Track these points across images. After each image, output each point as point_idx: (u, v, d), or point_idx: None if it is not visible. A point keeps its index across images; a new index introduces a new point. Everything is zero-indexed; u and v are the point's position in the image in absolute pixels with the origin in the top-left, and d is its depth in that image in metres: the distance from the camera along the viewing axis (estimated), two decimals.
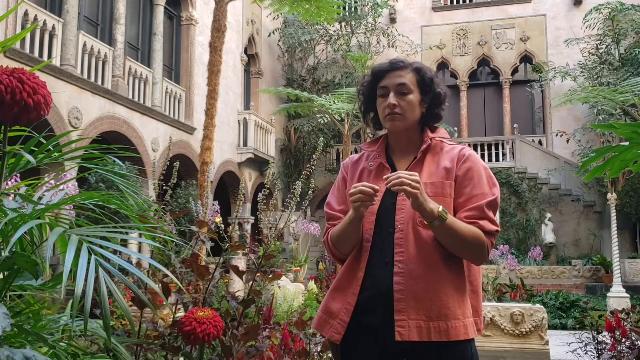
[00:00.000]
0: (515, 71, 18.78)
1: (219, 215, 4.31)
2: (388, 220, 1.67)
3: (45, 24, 9.09)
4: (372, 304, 1.64)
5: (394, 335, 1.58)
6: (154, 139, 11.78)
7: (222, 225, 2.78)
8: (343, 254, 1.75)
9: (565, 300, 11.12)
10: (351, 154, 1.98)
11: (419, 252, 1.62)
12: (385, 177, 1.58)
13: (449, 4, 19.75)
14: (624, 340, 3.89)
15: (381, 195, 1.70)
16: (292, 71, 18.99)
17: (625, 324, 4.32)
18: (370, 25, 17.58)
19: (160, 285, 2.35)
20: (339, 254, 1.76)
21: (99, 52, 10.38)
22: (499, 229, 1.65)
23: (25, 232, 1.21)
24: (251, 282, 2.58)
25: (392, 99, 1.72)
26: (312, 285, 9.53)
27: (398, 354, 1.63)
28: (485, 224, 1.61)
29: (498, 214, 15.12)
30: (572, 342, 5.26)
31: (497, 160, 17.16)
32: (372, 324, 1.64)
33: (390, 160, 1.79)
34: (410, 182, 1.51)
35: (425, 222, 1.58)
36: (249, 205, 15.55)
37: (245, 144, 15.40)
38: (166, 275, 2.30)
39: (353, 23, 17.41)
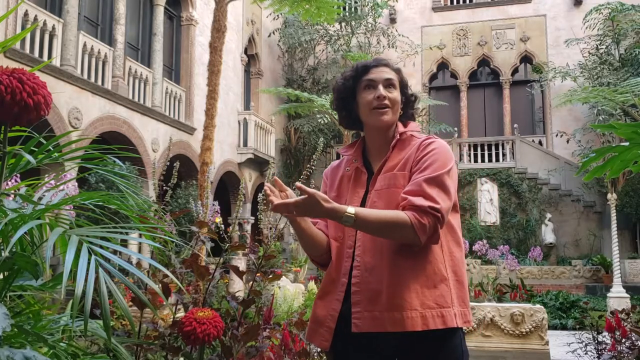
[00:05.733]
0: (515, 71, 18.78)
1: (219, 215, 4.30)
2: None
3: (45, 24, 9.09)
4: (348, 305, 1.65)
5: (382, 337, 1.58)
6: (154, 139, 11.78)
7: (222, 225, 2.78)
8: (314, 256, 1.79)
9: (565, 300, 11.12)
10: None
11: (373, 245, 1.63)
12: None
13: (449, 4, 19.74)
14: (623, 340, 3.89)
15: (360, 199, 1.72)
16: (292, 71, 18.99)
17: (625, 324, 4.31)
18: (370, 25, 17.58)
19: (160, 285, 2.35)
20: (311, 256, 1.80)
21: (98, 52, 10.38)
22: (437, 206, 1.53)
23: (25, 232, 1.21)
24: (251, 282, 2.58)
25: (382, 90, 1.72)
26: (312, 285, 9.52)
27: (389, 354, 1.63)
28: (417, 199, 1.54)
29: (497, 213, 15.06)
30: (572, 342, 5.26)
31: (497, 160, 17.15)
32: (348, 323, 1.64)
33: (367, 163, 1.79)
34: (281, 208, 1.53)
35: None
36: (248, 205, 15.55)
37: (245, 144, 15.40)
38: (166, 275, 2.29)
39: (353, 23, 17.41)
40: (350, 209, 1.52)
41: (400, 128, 1.76)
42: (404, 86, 1.79)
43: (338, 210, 1.52)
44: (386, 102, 1.72)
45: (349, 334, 1.63)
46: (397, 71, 1.80)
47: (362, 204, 1.70)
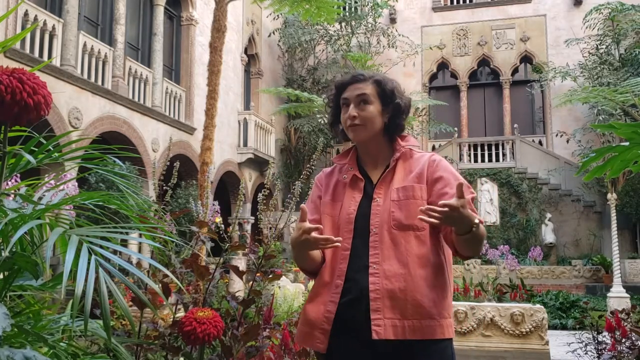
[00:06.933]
0: (515, 71, 18.78)
1: (219, 215, 4.30)
2: (365, 226, 1.70)
3: (45, 24, 9.09)
4: (352, 309, 1.65)
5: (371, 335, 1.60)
6: (154, 139, 11.78)
7: (222, 225, 2.78)
8: (307, 270, 1.78)
9: (565, 300, 11.12)
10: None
11: (393, 253, 1.64)
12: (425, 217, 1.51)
13: (449, 4, 19.74)
14: (623, 340, 3.89)
15: (357, 204, 1.74)
16: (292, 71, 18.99)
17: (625, 324, 4.31)
18: (370, 25, 17.58)
19: (160, 285, 2.35)
20: (304, 269, 1.79)
21: (99, 52, 10.38)
22: None
23: (25, 232, 1.21)
24: (251, 282, 2.58)
25: (352, 110, 1.76)
26: (312, 285, 9.51)
27: (382, 356, 1.64)
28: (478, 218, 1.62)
29: (497, 212, 15.10)
30: (572, 342, 5.27)
31: (497, 160, 17.15)
32: (353, 327, 1.65)
33: (363, 171, 1.82)
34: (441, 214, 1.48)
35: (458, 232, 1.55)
36: (248, 205, 15.54)
37: (245, 144, 15.40)
38: (166, 275, 2.30)
39: (353, 23, 17.41)
40: (476, 219, 1.52)
41: (400, 142, 1.80)
42: (387, 96, 1.78)
43: (473, 216, 1.51)
44: (356, 121, 1.75)
45: (351, 335, 1.64)
46: (377, 83, 1.79)
47: (359, 209, 1.73)
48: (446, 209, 1.45)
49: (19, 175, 1.88)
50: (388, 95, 1.79)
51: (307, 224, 1.61)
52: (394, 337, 1.58)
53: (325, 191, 1.85)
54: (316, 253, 1.74)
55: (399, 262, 1.63)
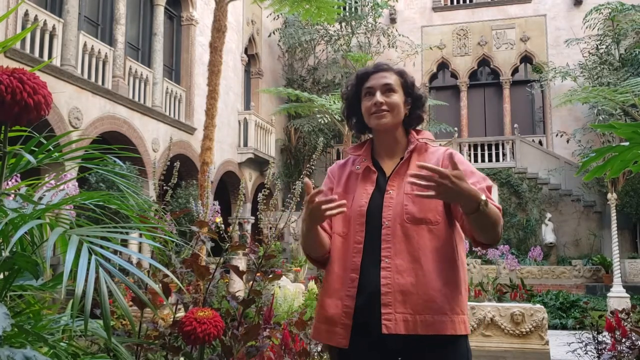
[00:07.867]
0: (515, 71, 18.78)
1: (219, 215, 4.30)
2: (377, 219, 1.69)
3: (45, 24, 9.09)
4: (367, 303, 1.64)
5: (400, 337, 1.59)
6: (154, 139, 11.78)
7: (222, 225, 2.78)
8: (317, 256, 1.76)
9: (565, 300, 11.12)
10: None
11: (405, 247, 1.63)
12: (410, 180, 1.52)
13: (449, 4, 19.75)
14: (624, 340, 3.89)
15: (369, 196, 1.73)
16: (292, 71, 18.99)
17: (625, 323, 4.31)
18: (370, 25, 17.58)
19: (160, 285, 2.35)
20: (313, 256, 1.77)
21: (99, 52, 10.38)
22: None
23: (25, 232, 1.21)
24: (251, 282, 2.58)
25: (378, 97, 1.76)
26: (312, 285, 9.50)
27: (396, 351, 1.64)
28: (493, 203, 1.61)
29: None
30: (572, 342, 5.26)
31: (497, 160, 17.15)
32: (368, 322, 1.64)
33: (376, 163, 1.81)
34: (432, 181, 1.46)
35: (466, 212, 1.53)
36: (249, 205, 15.55)
37: (245, 144, 15.40)
38: (166, 275, 2.30)
39: (353, 23, 17.41)
40: (482, 195, 1.50)
41: (415, 135, 1.80)
42: (408, 87, 1.81)
43: (477, 192, 1.49)
44: (383, 107, 1.75)
45: (365, 330, 1.63)
46: (400, 74, 1.82)
47: (371, 201, 1.72)
48: (436, 175, 1.43)
49: (19, 175, 1.88)
50: (410, 86, 1.82)
51: (312, 192, 1.59)
52: (405, 332, 1.57)
53: (337, 183, 1.84)
54: (325, 237, 1.73)
55: (411, 257, 1.62)
